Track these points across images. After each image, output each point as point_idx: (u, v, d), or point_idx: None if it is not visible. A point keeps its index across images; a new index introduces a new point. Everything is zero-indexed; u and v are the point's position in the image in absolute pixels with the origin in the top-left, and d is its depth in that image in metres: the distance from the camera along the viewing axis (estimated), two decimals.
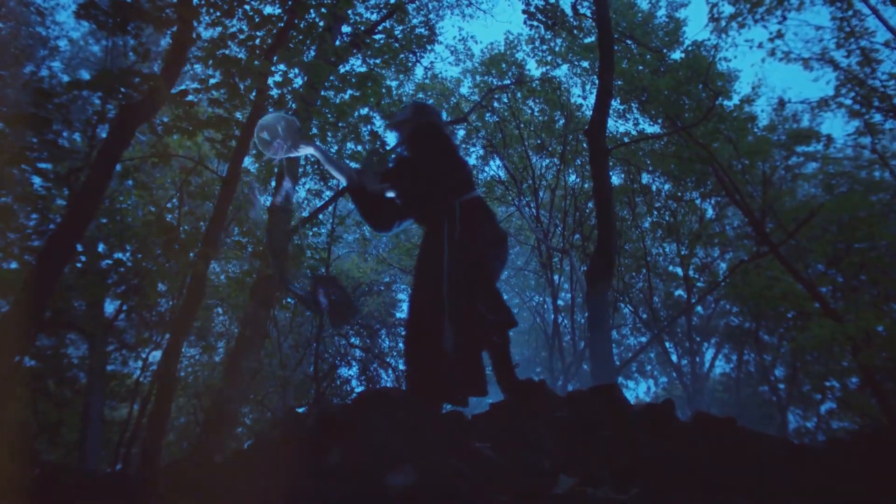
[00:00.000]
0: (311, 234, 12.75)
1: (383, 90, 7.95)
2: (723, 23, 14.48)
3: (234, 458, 2.55)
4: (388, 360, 21.65)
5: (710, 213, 19.62)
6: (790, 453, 2.28)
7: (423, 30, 14.40)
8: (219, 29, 7.19)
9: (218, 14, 7.13)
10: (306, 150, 3.75)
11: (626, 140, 16.16)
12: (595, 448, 2.24)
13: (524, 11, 13.78)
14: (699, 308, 21.42)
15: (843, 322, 11.96)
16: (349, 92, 7.38)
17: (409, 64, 14.39)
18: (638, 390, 31.10)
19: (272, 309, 9.82)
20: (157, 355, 16.24)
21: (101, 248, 14.54)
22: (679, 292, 21.21)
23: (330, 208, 13.32)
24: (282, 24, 6.43)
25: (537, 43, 16.68)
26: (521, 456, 2.18)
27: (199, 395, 17.49)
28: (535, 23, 14.14)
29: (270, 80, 6.22)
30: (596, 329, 7.59)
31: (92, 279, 11.38)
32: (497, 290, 3.27)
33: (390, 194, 3.53)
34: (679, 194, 18.23)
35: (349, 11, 9.23)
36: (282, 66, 7.03)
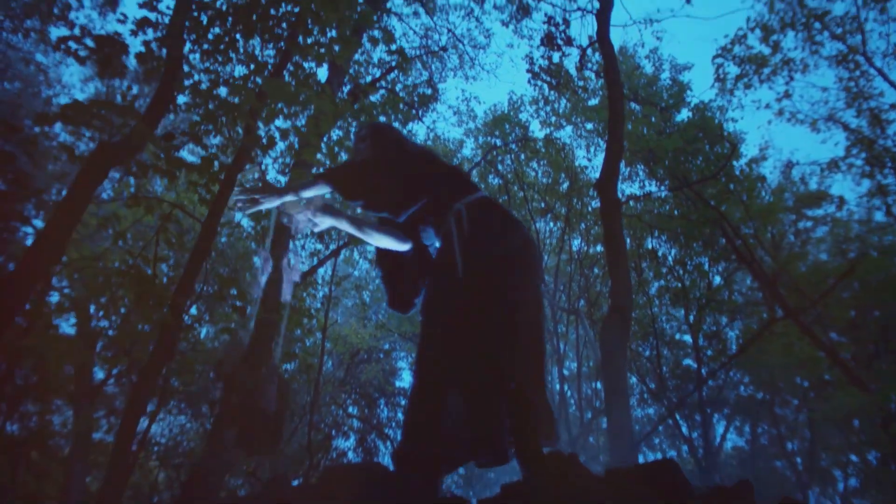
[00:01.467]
0: (306, 297, 12.23)
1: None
2: (729, 84, 14.38)
3: None
4: (386, 430, 20.80)
5: (717, 280, 19.14)
6: None
7: (425, 89, 14.29)
8: (211, 76, 6.89)
9: (210, 61, 6.84)
10: (330, 222, 3.16)
11: (631, 203, 15.84)
12: None
13: (528, 71, 13.72)
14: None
15: (869, 391, 11.31)
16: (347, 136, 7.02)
17: (412, 114, 14.17)
18: None
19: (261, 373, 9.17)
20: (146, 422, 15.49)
21: (92, 309, 14.06)
22: (688, 361, 20.48)
23: (328, 272, 12.91)
24: (277, 60, 6.10)
25: (541, 103, 16.59)
26: None
27: (179, 467, 16.61)
28: (539, 83, 14.06)
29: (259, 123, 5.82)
30: (613, 397, 6.91)
31: (81, 344, 10.82)
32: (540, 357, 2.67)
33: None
34: (687, 259, 17.77)
35: (350, 63, 8.99)
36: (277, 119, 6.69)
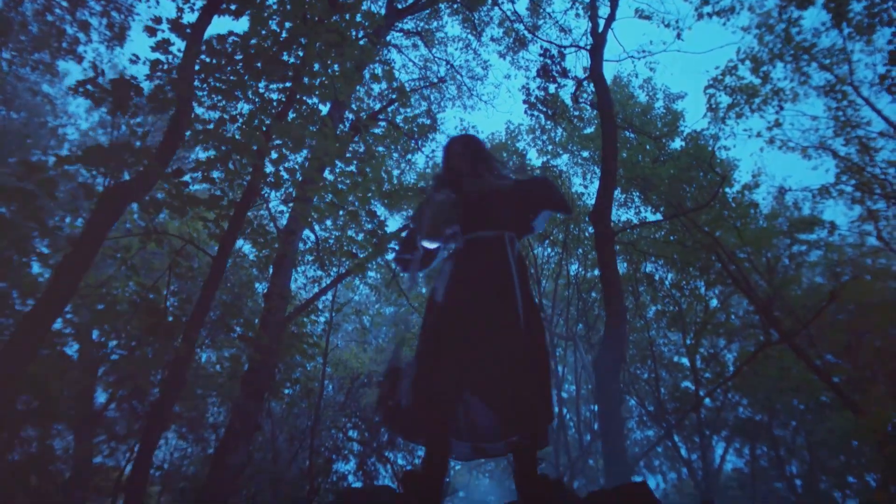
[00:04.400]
0: (308, 322, 12.42)
1: (383, 174, 7.83)
2: (721, 113, 14.72)
3: None
4: (386, 454, 20.80)
5: (714, 302, 19.34)
6: None
7: (425, 119, 14.62)
8: (217, 114, 7.17)
9: (219, 98, 7.13)
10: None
11: (628, 229, 16.11)
12: None
13: (525, 101, 14.06)
14: (707, 401, 20.71)
15: (864, 414, 11.44)
16: (350, 167, 7.27)
17: (411, 146, 14.50)
18: None
19: (264, 399, 9.36)
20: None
21: (94, 335, 14.21)
22: (686, 384, 20.61)
23: (329, 297, 13.09)
24: (283, 100, 6.38)
25: (538, 132, 16.94)
26: None
27: (183, 491, 16.65)
28: (536, 113, 14.39)
29: (267, 161, 6.09)
30: (608, 422, 7.11)
31: (83, 368, 10.98)
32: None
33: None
34: (683, 283, 17.99)
35: (352, 97, 9.28)
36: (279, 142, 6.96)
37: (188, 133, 6.47)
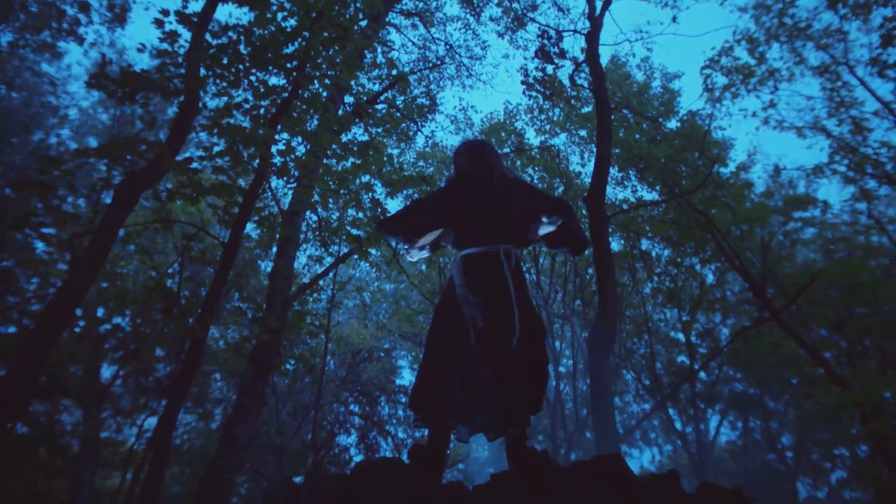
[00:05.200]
0: (310, 300, 12.71)
1: (384, 158, 8.07)
2: (717, 93, 14.86)
3: None
4: (387, 427, 21.27)
5: (710, 278, 19.64)
6: None
7: (424, 100, 14.76)
8: (224, 99, 7.38)
9: (224, 84, 7.33)
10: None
11: (624, 206, 16.34)
12: None
13: (523, 82, 14.21)
14: (703, 374, 21.13)
15: (851, 389, 11.78)
16: (351, 160, 7.50)
17: (411, 133, 14.68)
18: (642, 458, 30.40)
19: (270, 376, 9.68)
20: (152, 422, 15.98)
21: (100, 312, 14.51)
22: (682, 358, 21.01)
23: (330, 275, 13.35)
24: (286, 95, 6.59)
25: (536, 112, 17.08)
26: None
27: (193, 463, 17.08)
28: (534, 93, 14.54)
29: (273, 148, 6.32)
30: (599, 397, 7.46)
31: (89, 345, 11.30)
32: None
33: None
34: (679, 260, 18.27)
35: (352, 82, 9.46)
36: (285, 135, 7.19)
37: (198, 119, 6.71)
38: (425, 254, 3.65)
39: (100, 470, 17.61)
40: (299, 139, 6.76)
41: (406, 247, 3.58)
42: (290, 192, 11.25)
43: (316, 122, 8.66)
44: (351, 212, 10.22)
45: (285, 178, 8.85)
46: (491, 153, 3.61)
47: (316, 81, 7.40)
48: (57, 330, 4.70)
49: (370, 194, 7.70)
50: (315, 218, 11.37)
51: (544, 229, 3.32)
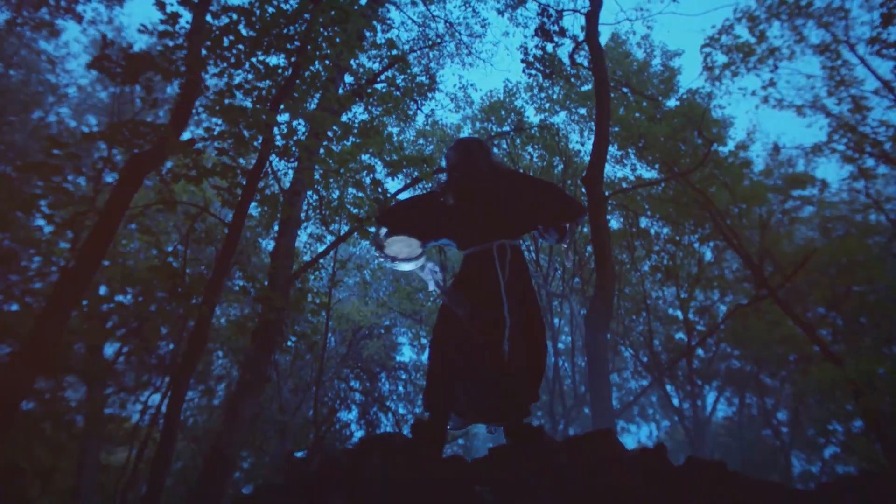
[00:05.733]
0: (312, 278, 12.84)
1: (384, 138, 8.13)
2: (716, 71, 14.85)
3: (238, 503, 2.59)
4: (388, 403, 21.53)
5: (708, 256, 19.77)
6: (782, 498, 2.34)
7: (423, 78, 14.74)
8: (225, 79, 7.43)
9: (225, 65, 7.37)
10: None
11: (624, 185, 16.40)
12: (592, 492, 2.30)
13: (523, 61, 14.18)
14: (700, 351, 21.35)
15: (844, 365, 11.95)
16: (351, 139, 7.57)
17: (410, 112, 14.68)
18: (640, 434, 30.81)
19: (272, 353, 9.84)
20: (156, 398, 16.19)
21: (102, 290, 14.62)
22: (679, 335, 21.20)
23: (331, 253, 13.45)
24: (287, 74, 6.64)
25: (535, 90, 17.03)
26: (520, 499, 2.24)
27: (198, 438, 17.32)
28: (534, 71, 14.51)
29: (275, 130, 6.39)
30: (595, 374, 7.62)
31: (93, 322, 11.41)
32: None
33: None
34: (677, 238, 18.37)
35: (352, 61, 9.48)
36: (286, 117, 7.25)
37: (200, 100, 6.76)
38: (411, 266, 3.64)
39: (105, 445, 17.85)
40: (300, 120, 6.80)
41: (385, 254, 3.59)
42: (291, 172, 11.32)
43: (316, 103, 8.72)
44: (351, 191, 10.30)
45: (286, 159, 8.93)
46: (479, 149, 3.60)
47: (316, 62, 7.45)
48: (67, 310, 4.82)
49: (371, 175, 7.77)
50: (316, 197, 11.45)
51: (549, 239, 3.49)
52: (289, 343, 13.13)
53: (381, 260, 3.60)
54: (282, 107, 6.86)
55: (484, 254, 3.34)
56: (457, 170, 3.54)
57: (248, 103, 7.31)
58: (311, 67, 7.58)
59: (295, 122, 7.54)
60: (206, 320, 5.01)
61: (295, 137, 6.45)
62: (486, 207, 3.43)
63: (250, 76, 7.45)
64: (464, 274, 3.40)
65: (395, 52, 7.90)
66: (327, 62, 6.64)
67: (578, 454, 2.63)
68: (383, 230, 3.54)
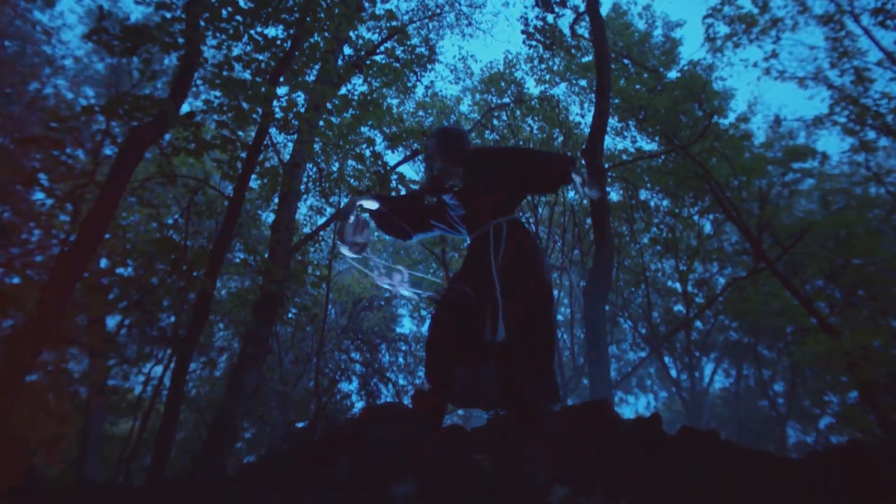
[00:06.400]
0: (312, 250, 12.88)
1: (384, 111, 8.11)
2: (718, 43, 14.72)
3: (244, 472, 2.66)
4: (388, 374, 21.74)
5: (707, 228, 19.79)
6: (773, 466, 2.40)
7: (423, 49, 14.63)
8: (224, 51, 7.39)
9: (224, 37, 7.33)
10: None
11: (624, 157, 16.35)
12: (588, 461, 2.36)
13: (523, 32, 14.04)
14: (698, 323, 21.50)
15: (840, 337, 12.06)
16: (350, 112, 7.55)
17: (410, 84, 14.59)
18: (638, 405, 31.15)
19: (274, 325, 9.93)
20: (158, 370, 16.36)
21: (103, 263, 14.70)
22: (678, 307, 21.33)
23: (331, 225, 13.47)
24: (286, 46, 6.60)
25: (536, 62, 16.91)
26: (518, 468, 2.30)
27: (202, 410, 17.52)
28: (534, 42, 14.39)
29: (275, 103, 6.37)
30: (593, 345, 7.71)
31: (95, 294, 11.49)
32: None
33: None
34: (677, 210, 18.38)
35: (351, 33, 9.41)
36: (286, 89, 7.22)
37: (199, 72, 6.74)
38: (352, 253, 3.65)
39: (108, 416, 18.07)
40: (300, 93, 6.79)
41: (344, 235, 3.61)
42: (290, 144, 11.30)
43: (315, 75, 8.68)
44: (351, 163, 10.30)
45: (286, 132, 8.92)
46: (449, 136, 3.61)
47: (315, 33, 7.39)
48: (70, 283, 4.87)
49: (371, 148, 7.77)
50: (315, 169, 11.44)
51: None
52: (289, 315, 13.22)
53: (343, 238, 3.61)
54: (281, 79, 6.84)
55: (481, 236, 3.38)
56: (434, 161, 3.56)
57: (247, 75, 7.29)
58: (311, 39, 7.54)
59: (294, 95, 7.53)
60: (208, 293, 5.07)
61: (294, 110, 6.44)
62: (471, 192, 3.46)
63: (249, 48, 7.42)
64: (465, 258, 3.46)
65: (394, 23, 7.83)
66: (326, 34, 6.59)
67: (574, 422, 2.70)
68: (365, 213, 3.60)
